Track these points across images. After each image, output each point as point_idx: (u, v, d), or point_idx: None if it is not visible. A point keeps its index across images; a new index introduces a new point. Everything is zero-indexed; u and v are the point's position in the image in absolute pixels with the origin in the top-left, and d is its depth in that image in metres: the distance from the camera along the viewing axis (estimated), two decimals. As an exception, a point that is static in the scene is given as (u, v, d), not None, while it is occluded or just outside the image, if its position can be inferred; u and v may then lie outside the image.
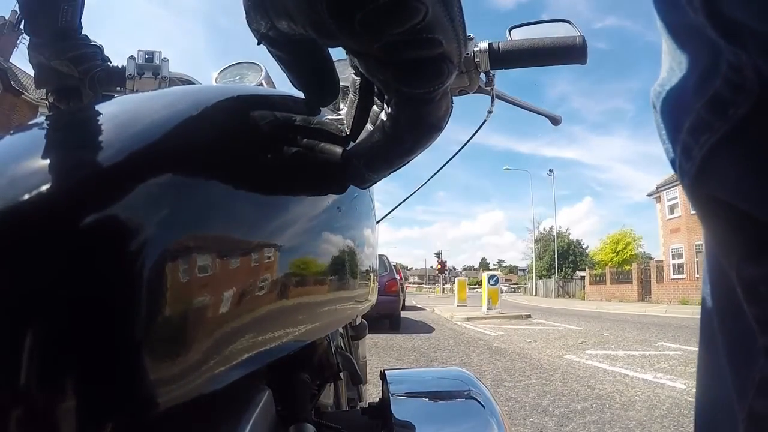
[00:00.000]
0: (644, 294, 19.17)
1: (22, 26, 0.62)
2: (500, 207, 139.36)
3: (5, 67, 11.96)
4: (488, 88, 0.59)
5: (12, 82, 12.34)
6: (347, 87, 0.70)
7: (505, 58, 0.54)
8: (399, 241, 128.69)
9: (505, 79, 0.56)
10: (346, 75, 0.74)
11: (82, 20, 0.66)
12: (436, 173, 0.73)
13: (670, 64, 0.27)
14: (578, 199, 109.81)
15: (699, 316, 0.31)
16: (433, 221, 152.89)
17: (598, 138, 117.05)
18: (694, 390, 0.32)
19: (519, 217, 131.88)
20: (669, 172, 22.01)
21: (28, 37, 0.64)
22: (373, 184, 0.39)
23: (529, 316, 11.10)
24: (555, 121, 0.67)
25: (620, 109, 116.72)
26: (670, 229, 21.28)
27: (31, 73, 0.68)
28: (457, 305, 13.63)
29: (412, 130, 0.31)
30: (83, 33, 0.67)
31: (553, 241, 32.39)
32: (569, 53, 0.52)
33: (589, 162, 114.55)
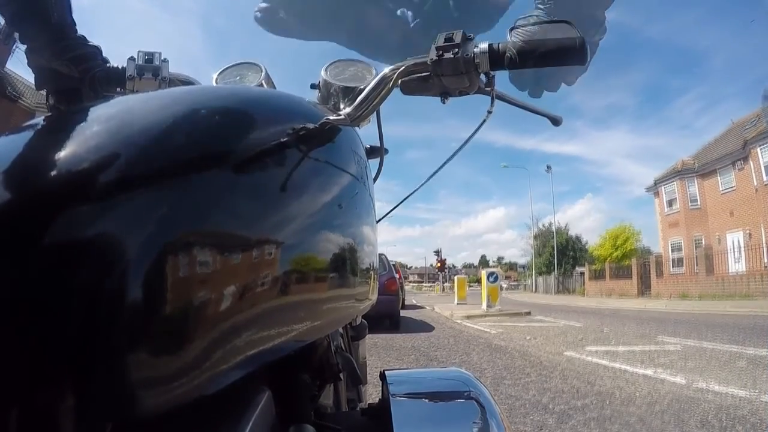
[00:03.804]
0: (644, 289, 19.16)
1: (16, 36, 0.62)
2: (501, 204, 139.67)
3: (0, 75, 11.91)
4: (488, 88, 0.59)
5: (8, 89, 12.29)
6: (347, 87, 0.70)
7: (504, 59, 0.54)
8: (399, 240, 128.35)
9: (505, 79, 0.57)
10: (346, 75, 0.75)
11: (75, 21, 0.66)
12: (436, 172, 0.73)
13: None
14: (580, 194, 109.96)
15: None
16: (434, 219, 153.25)
17: (599, 133, 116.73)
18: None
19: (520, 214, 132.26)
20: (667, 166, 21.65)
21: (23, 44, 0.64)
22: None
23: (528, 314, 11.10)
24: (555, 121, 0.67)
25: (620, 103, 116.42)
26: (668, 224, 21.31)
27: (27, 79, 0.68)
28: (457, 303, 13.63)
29: None
30: (80, 33, 0.66)
31: (553, 237, 32.39)
32: (568, 54, 0.52)
33: (590, 157, 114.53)
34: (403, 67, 0.56)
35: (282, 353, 0.35)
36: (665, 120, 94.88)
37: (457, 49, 0.54)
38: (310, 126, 0.43)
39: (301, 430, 0.40)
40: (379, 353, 4.94)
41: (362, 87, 0.59)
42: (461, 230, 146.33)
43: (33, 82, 0.69)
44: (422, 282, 69.47)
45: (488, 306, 11.02)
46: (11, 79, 12.48)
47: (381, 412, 0.49)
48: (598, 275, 23.75)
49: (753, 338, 5.61)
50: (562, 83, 0.64)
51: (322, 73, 0.75)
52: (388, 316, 7.52)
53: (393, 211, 0.89)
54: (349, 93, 0.70)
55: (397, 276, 8.35)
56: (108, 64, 0.69)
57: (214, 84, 0.80)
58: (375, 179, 0.79)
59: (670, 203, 21.27)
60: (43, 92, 0.69)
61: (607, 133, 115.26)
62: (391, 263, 8.49)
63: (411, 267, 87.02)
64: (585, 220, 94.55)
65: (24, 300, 0.19)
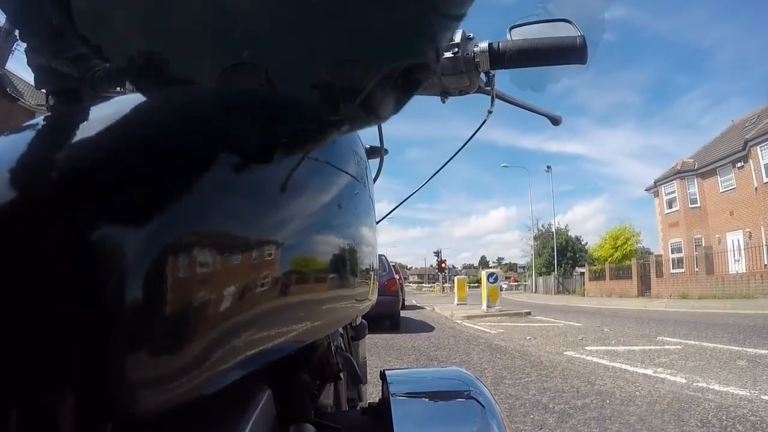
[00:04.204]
0: (644, 289, 19.15)
1: (17, 35, 0.62)
2: (503, 204, 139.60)
3: (0, 75, 11.90)
4: (488, 88, 0.59)
5: (8, 89, 12.27)
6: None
7: (504, 58, 0.54)
8: (400, 240, 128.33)
9: (505, 78, 0.57)
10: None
11: (75, 20, 0.65)
12: (436, 173, 0.73)
13: None
14: (583, 194, 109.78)
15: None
16: (436, 219, 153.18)
17: (603, 131, 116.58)
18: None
19: (522, 215, 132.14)
20: (668, 166, 21.67)
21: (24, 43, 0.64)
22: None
23: (528, 314, 11.10)
24: (555, 121, 0.68)
25: (626, 101, 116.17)
26: (668, 224, 21.30)
27: (27, 79, 0.68)
28: (457, 304, 13.63)
29: None
30: (80, 33, 0.66)
31: (553, 238, 32.38)
32: (569, 53, 0.52)
33: (594, 156, 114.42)
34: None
35: (282, 353, 0.35)
36: (669, 118, 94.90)
37: (457, 49, 0.54)
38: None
39: (301, 430, 0.40)
40: (380, 353, 4.94)
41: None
42: (463, 231, 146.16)
43: (33, 82, 0.69)
44: (422, 283, 69.45)
45: (488, 306, 11.02)
46: (11, 79, 12.47)
47: (381, 412, 0.49)
48: (598, 276, 23.73)
49: (753, 338, 5.61)
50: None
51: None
52: (388, 317, 7.52)
53: (394, 212, 0.89)
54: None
55: (397, 277, 8.36)
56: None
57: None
58: (375, 179, 0.79)
59: (670, 203, 21.26)
60: (43, 92, 0.69)
61: (612, 131, 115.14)
62: (391, 264, 8.49)
63: (411, 268, 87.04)
64: (588, 221, 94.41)
65: (23, 300, 0.19)
